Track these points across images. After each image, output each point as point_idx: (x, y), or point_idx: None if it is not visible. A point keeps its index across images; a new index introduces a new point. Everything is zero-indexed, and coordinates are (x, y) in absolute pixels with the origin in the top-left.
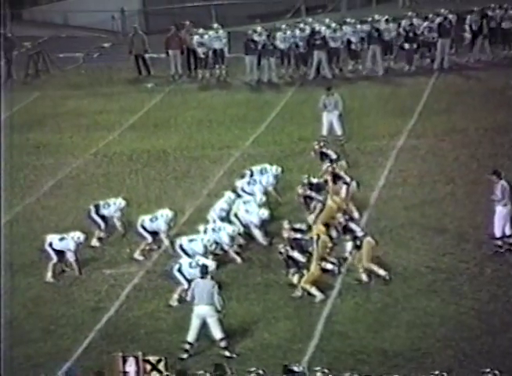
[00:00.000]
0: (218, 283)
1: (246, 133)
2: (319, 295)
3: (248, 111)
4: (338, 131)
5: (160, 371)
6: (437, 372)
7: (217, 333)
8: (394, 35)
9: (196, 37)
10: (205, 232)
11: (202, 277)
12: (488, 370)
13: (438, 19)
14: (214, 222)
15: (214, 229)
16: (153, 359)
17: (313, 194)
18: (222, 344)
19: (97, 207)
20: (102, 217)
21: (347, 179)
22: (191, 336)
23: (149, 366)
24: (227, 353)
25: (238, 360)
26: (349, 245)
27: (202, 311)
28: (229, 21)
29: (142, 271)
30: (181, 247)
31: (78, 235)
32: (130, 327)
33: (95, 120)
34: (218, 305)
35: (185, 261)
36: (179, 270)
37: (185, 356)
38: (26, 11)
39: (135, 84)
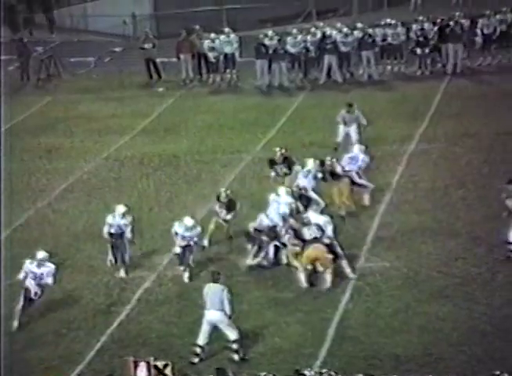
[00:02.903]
0: (228, 288)
1: (257, 137)
2: (303, 281)
3: (259, 115)
4: (353, 140)
5: None
6: None
7: (230, 335)
8: (403, 39)
9: (207, 42)
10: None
11: (214, 281)
12: (498, 372)
13: (450, 24)
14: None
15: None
16: (159, 364)
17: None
18: (234, 346)
19: (110, 234)
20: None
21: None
22: (201, 340)
23: (155, 371)
24: (235, 356)
25: (249, 364)
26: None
27: (212, 316)
28: (240, 25)
29: (153, 275)
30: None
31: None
32: (141, 331)
33: (106, 124)
34: (228, 310)
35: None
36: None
37: (196, 360)
38: (38, 15)
39: (146, 88)
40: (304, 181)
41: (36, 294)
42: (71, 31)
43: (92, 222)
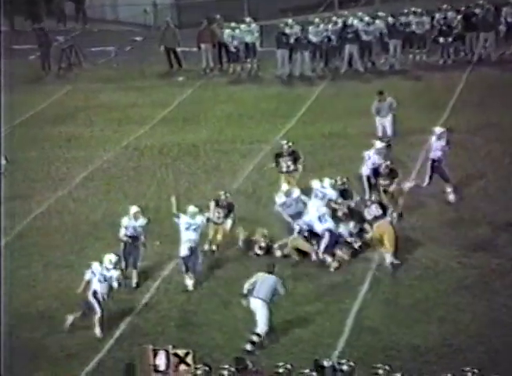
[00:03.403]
0: (282, 280)
1: (277, 127)
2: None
3: (279, 105)
4: (389, 132)
5: (187, 364)
6: (468, 368)
7: (259, 326)
8: (427, 28)
9: (227, 31)
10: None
11: (269, 272)
12: None
13: (476, 12)
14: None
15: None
16: (180, 352)
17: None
18: (254, 337)
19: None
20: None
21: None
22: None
23: (176, 359)
24: (248, 347)
25: (268, 354)
26: None
27: (255, 304)
28: (261, 15)
29: (172, 264)
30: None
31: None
32: (160, 320)
33: (126, 113)
34: (282, 291)
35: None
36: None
37: (249, 347)
38: (66, 5)
39: (167, 78)
40: (366, 170)
41: (103, 297)
42: (92, 21)
43: (112, 211)
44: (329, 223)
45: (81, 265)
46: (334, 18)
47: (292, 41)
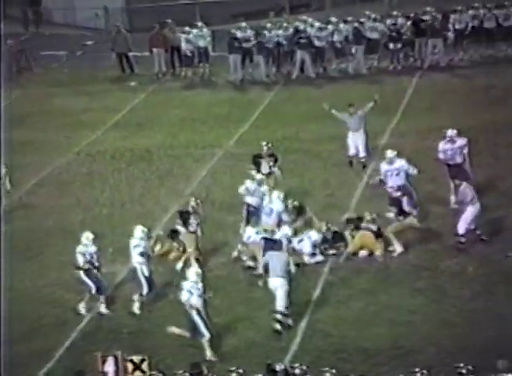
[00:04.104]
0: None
1: (230, 132)
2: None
3: (232, 110)
4: (362, 152)
5: (143, 371)
6: (418, 369)
7: (279, 304)
8: (381, 34)
9: (183, 36)
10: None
11: (276, 249)
12: (461, 364)
13: (425, 18)
14: None
15: None
16: (136, 358)
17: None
18: (278, 316)
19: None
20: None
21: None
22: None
23: (132, 366)
24: (277, 326)
25: (221, 358)
26: None
27: (275, 283)
28: (213, 20)
29: (124, 270)
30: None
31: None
32: (112, 327)
33: (78, 118)
34: (293, 269)
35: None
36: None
37: (278, 326)
38: (9, 8)
39: (119, 82)
40: (395, 179)
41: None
42: (43, 24)
43: (63, 218)
44: (264, 235)
45: (33, 273)
46: (285, 24)
47: (244, 45)
